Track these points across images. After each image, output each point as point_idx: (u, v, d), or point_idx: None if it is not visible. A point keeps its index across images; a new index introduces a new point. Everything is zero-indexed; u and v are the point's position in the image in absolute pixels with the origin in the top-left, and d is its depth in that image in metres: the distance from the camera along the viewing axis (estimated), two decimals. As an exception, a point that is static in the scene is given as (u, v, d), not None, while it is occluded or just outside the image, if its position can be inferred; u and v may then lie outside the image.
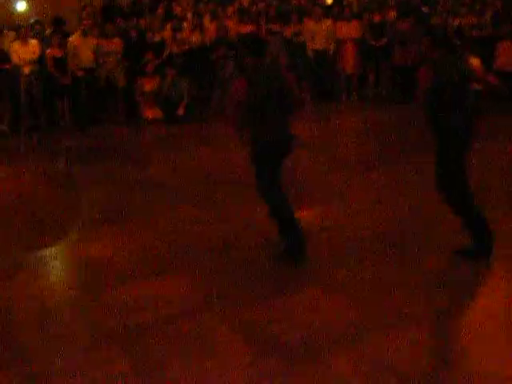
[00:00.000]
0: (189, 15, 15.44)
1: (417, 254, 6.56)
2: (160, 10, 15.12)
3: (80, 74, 13.64)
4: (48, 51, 13.41)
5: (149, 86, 14.05)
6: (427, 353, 4.88)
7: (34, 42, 13.29)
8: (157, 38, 14.59)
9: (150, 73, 14.09)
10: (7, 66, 13.16)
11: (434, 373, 4.62)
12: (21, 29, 13.29)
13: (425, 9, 15.90)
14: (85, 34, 13.77)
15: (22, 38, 13.16)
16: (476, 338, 5.05)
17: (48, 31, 14.33)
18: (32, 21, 14.23)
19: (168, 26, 14.83)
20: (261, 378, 4.61)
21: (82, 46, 13.69)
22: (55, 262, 6.93)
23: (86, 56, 13.74)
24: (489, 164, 9.51)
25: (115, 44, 14.04)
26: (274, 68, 7.08)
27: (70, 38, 13.78)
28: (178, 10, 15.45)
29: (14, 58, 13.08)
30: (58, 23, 14.39)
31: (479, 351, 4.85)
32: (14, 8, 15.91)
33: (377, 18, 15.17)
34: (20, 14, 15.66)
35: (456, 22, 14.89)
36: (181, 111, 13.80)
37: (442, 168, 6.42)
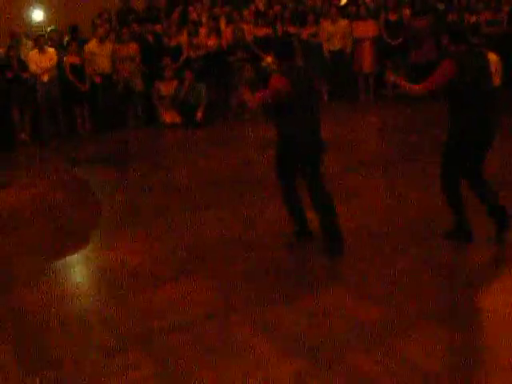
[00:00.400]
0: (204, 19, 15.45)
1: (441, 252, 6.53)
2: (175, 15, 15.13)
3: (97, 79, 13.72)
4: (65, 58, 13.47)
5: (166, 90, 14.08)
6: (453, 351, 4.86)
7: (51, 50, 13.36)
8: (173, 43, 14.62)
9: (168, 78, 14.11)
10: (26, 75, 13.22)
11: (460, 371, 4.60)
12: (38, 38, 13.37)
13: (440, 6, 15.83)
14: (101, 40, 13.84)
15: (40, 46, 13.24)
16: (502, 334, 5.03)
17: (65, 39, 14.41)
18: (49, 29, 14.33)
19: (184, 31, 14.86)
20: (287, 378, 4.61)
21: (99, 52, 13.78)
22: (79, 267, 6.95)
23: (103, 62, 13.83)
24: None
25: (131, 49, 14.10)
26: (306, 69, 7.08)
27: (87, 45, 13.86)
28: (193, 14, 15.45)
29: (32, 67, 13.16)
30: (75, 30, 14.48)
31: (506, 347, 4.83)
32: (31, 17, 15.97)
33: (393, 17, 15.12)
34: (37, 23, 15.74)
35: (472, 19, 14.82)
36: (199, 116, 13.82)
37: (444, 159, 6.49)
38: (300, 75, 6.64)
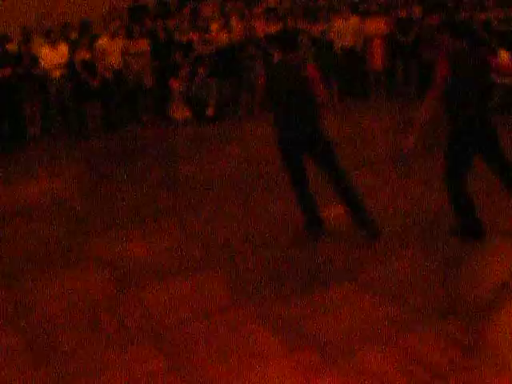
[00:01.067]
0: (216, 15, 15.47)
1: (451, 249, 6.53)
2: (186, 11, 15.15)
3: (108, 75, 13.73)
4: (77, 54, 13.50)
5: (177, 85, 14.09)
6: (464, 349, 4.85)
7: (62, 46, 13.42)
8: (184, 39, 14.64)
9: (183, 76, 14.12)
10: (37, 71, 13.25)
11: (471, 369, 4.59)
12: (49, 33, 13.39)
13: (451, 3, 15.79)
14: (112, 36, 13.86)
15: (51, 42, 13.27)
16: (506, 330, 5.03)
17: (73, 35, 14.42)
18: (60, 25, 14.34)
19: (195, 27, 14.88)
20: (297, 372, 4.62)
21: (110, 48, 13.80)
22: (89, 261, 6.97)
23: (114, 58, 13.85)
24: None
25: (142, 45, 14.13)
26: (292, 66, 7.00)
27: (98, 41, 13.89)
28: (205, 10, 15.46)
29: (44, 63, 13.20)
30: (86, 26, 14.50)
31: (509, 344, 4.85)
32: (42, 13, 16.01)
33: (403, 14, 15.09)
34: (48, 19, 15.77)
35: (483, 17, 14.78)
36: (210, 112, 13.83)
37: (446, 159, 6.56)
38: (280, 71, 6.70)
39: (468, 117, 6.28)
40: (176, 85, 14.13)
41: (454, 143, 6.44)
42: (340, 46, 15.20)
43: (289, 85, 6.65)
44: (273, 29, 14.88)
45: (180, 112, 14.13)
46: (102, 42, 13.87)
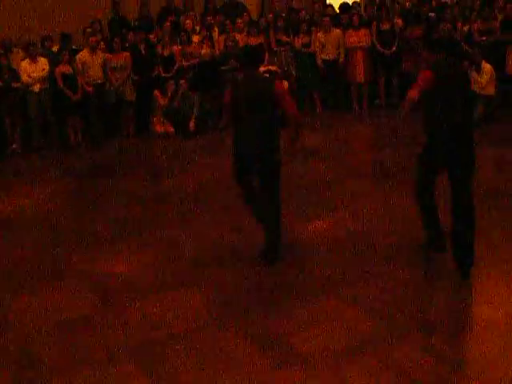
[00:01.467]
0: (197, 28, 15.42)
1: (434, 262, 6.50)
2: (168, 24, 15.08)
3: (90, 89, 13.65)
4: (57, 68, 13.39)
5: (163, 100, 14.05)
6: (451, 365, 4.80)
7: (43, 59, 13.30)
8: (166, 52, 14.58)
9: (169, 90, 14.07)
10: (17, 85, 13.13)
11: (451, 382, 4.55)
12: (29, 47, 13.29)
13: (433, 15, 15.80)
14: (93, 49, 13.76)
15: (31, 55, 13.17)
16: (494, 346, 4.99)
17: (53, 48, 14.31)
18: (40, 38, 14.22)
19: (177, 40, 14.84)
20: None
21: (91, 62, 13.70)
22: (72, 278, 6.86)
23: (95, 71, 13.75)
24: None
25: (123, 58, 14.06)
26: (259, 81, 6.94)
27: (79, 54, 13.79)
28: (186, 23, 15.40)
29: (24, 77, 13.08)
30: (66, 39, 14.41)
31: (497, 360, 4.79)
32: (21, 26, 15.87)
33: (385, 26, 15.09)
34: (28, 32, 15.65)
35: (465, 28, 14.81)
36: (191, 125, 13.76)
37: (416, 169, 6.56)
38: (244, 87, 6.65)
39: (446, 129, 6.24)
40: (160, 98, 14.06)
41: (424, 155, 6.44)
42: (322, 58, 15.19)
43: (251, 101, 6.58)
44: (254, 41, 14.85)
45: (161, 125, 14.05)
46: (83, 55, 13.77)
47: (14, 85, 13.08)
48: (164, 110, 14.05)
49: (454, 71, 6.28)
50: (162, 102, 14.06)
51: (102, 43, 14.18)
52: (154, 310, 5.95)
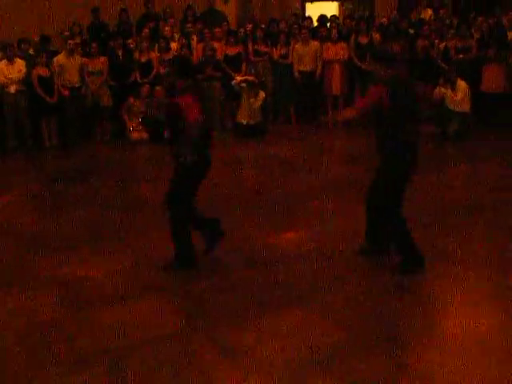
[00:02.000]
0: (176, 36, 15.42)
1: (402, 276, 6.53)
2: (146, 30, 15.07)
3: (66, 93, 13.61)
4: (34, 70, 13.34)
5: (139, 106, 14.03)
6: (408, 375, 4.83)
7: (20, 61, 13.25)
8: (144, 58, 14.58)
9: (143, 95, 14.06)
10: (-8, 86, 13.08)
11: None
12: (7, 48, 13.23)
13: (411, 31, 15.93)
14: (70, 53, 13.74)
15: (8, 57, 13.11)
16: (463, 359, 5.01)
17: (33, 50, 14.26)
18: (18, 40, 14.15)
19: (155, 47, 14.85)
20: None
21: (68, 65, 13.70)
22: (42, 282, 6.80)
23: (72, 75, 13.74)
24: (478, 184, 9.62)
25: (100, 63, 14.06)
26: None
27: (56, 57, 13.75)
28: (165, 30, 15.41)
29: (0, 78, 13.02)
30: (45, 42, 14.37)
31: (466, 373, 4.81)
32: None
33: (363, 40, 15.19)
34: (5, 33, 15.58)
35: (442, 45, 14.93)
36: (167, 133, 13.72)
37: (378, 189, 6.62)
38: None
39: (402, 144, 6.30)
40: (135, 104, 14.04)
41: (387, 170, 6.48)
42: (299, 69, 15.26)
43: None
44: (232, 51, 14.89)
45: (136, 132, 14.03)
46: (60, 58, 13.74)
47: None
48: (141, 116, 14.03)
49: (405, 89, 6.32)
50: (134, 103, 14.03)
51: (80, 47, 14.16)
52: (125, 316, 5.90)
